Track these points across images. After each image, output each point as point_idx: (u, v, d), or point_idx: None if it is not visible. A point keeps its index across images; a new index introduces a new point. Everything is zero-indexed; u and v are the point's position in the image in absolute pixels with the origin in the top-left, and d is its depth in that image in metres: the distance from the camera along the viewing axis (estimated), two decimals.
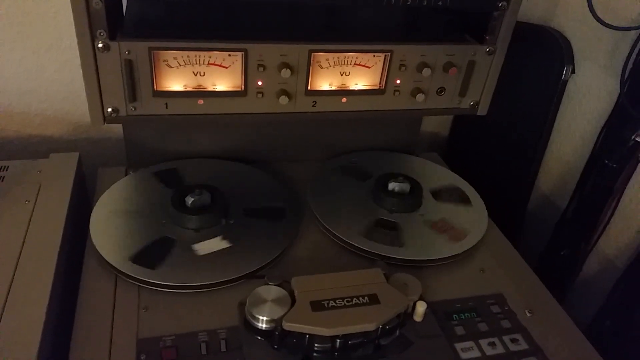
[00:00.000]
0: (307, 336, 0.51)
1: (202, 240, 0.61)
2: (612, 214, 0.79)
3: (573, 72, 0.83)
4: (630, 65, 0.71)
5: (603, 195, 0.78)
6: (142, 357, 0.49)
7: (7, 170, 0.68)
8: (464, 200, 0.74)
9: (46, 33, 0.76)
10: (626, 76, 0.71)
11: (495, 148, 0.95)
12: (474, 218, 0.71)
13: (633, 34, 0.71)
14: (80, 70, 0.80)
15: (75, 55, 0.79)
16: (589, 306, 0.83)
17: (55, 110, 0.83)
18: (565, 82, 0.84)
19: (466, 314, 0.58)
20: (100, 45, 0.53)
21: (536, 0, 0.87)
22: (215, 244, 0.60)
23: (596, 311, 0.80)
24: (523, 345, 0.55)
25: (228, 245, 0.60)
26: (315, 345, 0.51)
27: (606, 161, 0.74)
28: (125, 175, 0.72)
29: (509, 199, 0.92)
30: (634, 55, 0.70)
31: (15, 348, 0.46)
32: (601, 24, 0.75)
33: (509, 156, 0.92)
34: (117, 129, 0.85)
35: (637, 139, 0.70)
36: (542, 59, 0.86)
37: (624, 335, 0.76)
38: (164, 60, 0.55)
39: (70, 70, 0.81)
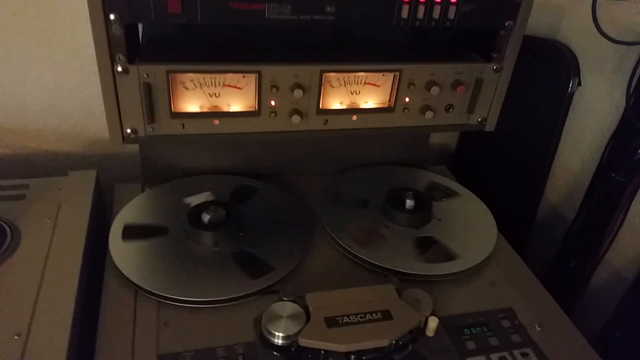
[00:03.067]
0: (322, 352, 0.52)
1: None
2: (620, 226, 0.80)
3: (579, 84, 0.84)
4: (636, 79, 0.72)
5: (610, 208, 0.79)
6: None
7: (28, 188, 0.70)
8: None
9: (63, 52, 0.79)
10: (632, 90, 0.72)
11: (504, 160, 0.96)
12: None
13: (639, 48, 0.72)
14: (96, 88, 0.82)
15: (91, 73, 0.81)
16: (598, 317, 0.83)
17: (71, 127, 0.85)
18: (571, 95, 0.85)
19: (477, 329, 0.59)
20: (119, 69, 0.55)
21: (542, 14, 0.88)
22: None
23: (605, 322, 0.81)
24: (533, 359, 0.56)
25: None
26: None
27: (613, 174, 0.75)
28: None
29: (518, 211, 0.93)
30: (638, 70, 0.71)
31: None
32: (606, 38, 0.76)
33: (517, 168, 0.93)
34: (132, 145, 0.87)
35: None
36: (548, 72, 0.87)
37: (634, 346, 0.76)
38: (180, 83, 0.57)
39: (86, 87, 0.83)
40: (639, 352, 0.76)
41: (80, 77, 0.81)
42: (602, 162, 0.80)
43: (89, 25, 0.76)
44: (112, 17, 0.52)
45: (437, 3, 0.57)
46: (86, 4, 0.73)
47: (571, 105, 0.86)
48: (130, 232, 0.65)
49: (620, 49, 0.77)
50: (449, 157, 1.06)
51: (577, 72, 0.84)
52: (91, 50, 0.78)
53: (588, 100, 0.84)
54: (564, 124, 0.87)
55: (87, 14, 0.74)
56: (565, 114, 0.86)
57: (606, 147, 0.79)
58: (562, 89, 0.84)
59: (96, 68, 0.80)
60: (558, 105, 0.86)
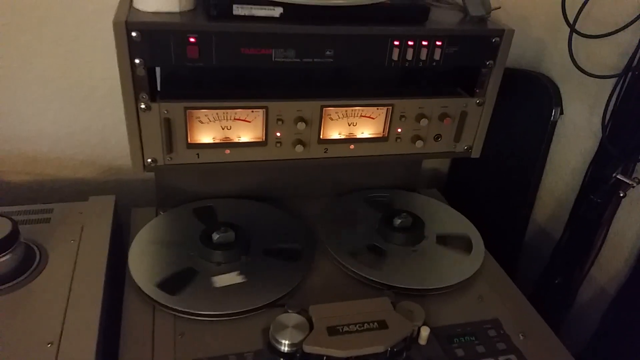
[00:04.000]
0: (325, 358, 0.59)
1: (223, 274, 0.70)
2: (602, 245, 0.87)
3: (562, 112, 0.93)
4: (610, 110, 0.80)
5: (592, 228, 0.87)
6: None
7: (52, 212, 0.78)
8: (463, 236, 0.84)
9: (82, 86, 0.87)
10: (607, 120, 0.81)
11: (493, 184, 1.04)
12: (471, 250, 0.80)
13: (612, 81, 0.81)
14: (111, 119, 0.92)
15: (107, 106, 0.90)
16: (586, 331, 0.90)
17: (88, 155, 0.94)
18: (554, 123, 0.93)
19: (466, 338, 0.66)
20: (142, 106, 0.63)
21: (526, 48, 0.98)
22: (232, 278, 0.70)
23: (591, 335, 0.88)
24: None
25: (243, 280, 0.70)
26: None
27: (592, 197, 0.84)
28: (156, 214, 0.82)
29: (507, 232, 1.01)
30: (612, 101, 0.80)
31: None
32: (581, 71, 0.85)
33: (506, 191, 1.01)
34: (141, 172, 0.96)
35: (618, 176, 0.79)
36: (532, 101, 0.96)
37: (618, 357, 0.83)
38: (196, 117, 0.66)
39: (102, 118, 0.91)
40: None
41: (96, 109, 0.90)
42: (583, 186, 0.88)
43: (106, 63, 0.86)
44: (137, 61, 0.60)
45: (424, 46, 0.66)
46: (103, 44, 0.84)
47: (555, 133, 0.95)
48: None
49: (597, 80, 0.86)
50: (442, 182, 1.14)
51: (559, 102, 0.93)
52: (107, 85, 0.88)
53: (570, 128, 0.93)
54: (548, 150, 0.96)
55: (105, 53, 0.84)
56: (549, 140, 0.95)
57: (587, 172, 0.87)
58: (546, 117, 0.93)
59: (111, 101, 0.90)
60: (542, 133, 0.94)
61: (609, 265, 0.87)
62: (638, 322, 0.80)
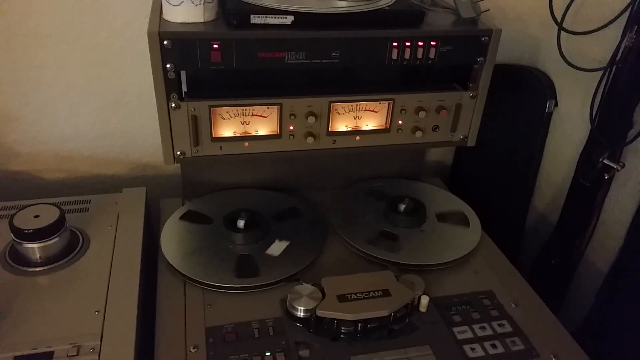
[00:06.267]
0: (336, 321, 0.69)
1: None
2: (595, 227, 0.96)
3: (556, 105, 1.03)
4: (597, 103, 0.90)
5: (585, 211, 0.96)
6: (210, 340, 0.69)
7: (90, 203, 0.90)
8: (458, 212, 0.94)
9: (113, 92, 0.99)
10: (595, 110, 0.90)
11: (494, 173, 1.14)
12: (469, 230, 0.90)
13: (599, 74, 0.90)
14: (139, 120, 1.03)
15: (135, 108, 1.02)
16: (582, 309, 0.99)
17: (117, 154, 1.06)
18: (549, 115, 1.03)
19: (462, 306, 0.76)
20: (173, 105, 0.74)
21: (523, 45, 1.08)
22: (280, 245, 0.83)
23: (586, 313, 0.97)
24: (508, 329, 0.73)
25: (287, 243, 0.84)
26: (342, 328, 0.70)
27: (581, 181, 0.93)
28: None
29: (509, 218, 1.10)
30: (600, 93, 0.89)
31: (117, 342, 0.66)
32: (570, 65, 0.94)
33: (507, 180, 1.11)
34: (166, 169, 1.07)
35: (605, 161, 0.88)
36: (529, 95, 1.06)
37: (612, 330, 0.92)
38: (219, 114, 0.77)
39: (130, 120, 1.03)
40: (617, 337, 0.91)
41: (125, 112, 1.02)
42: (576, 172, 0.97)
43: (134, 70, 0.97)
44: (168, 66, 0.72)
45: (420, 46, 0.76)
46: (132, 53, 0.95)
47: (551, 124, 1.04)
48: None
49: (587, 74, 0.95)
50: (446, 172, 1.24)
51: (553, 95, 1.02)
52: (135, 90, 1.00)
53: (565, 119, 1.02)
54: (545, 141, 1.05)
55: (133, 61, 0.96)
56: (545, 131, 1.04)
57: (579, 159, 0.97)
58: (541, 109, 1.02)
59: (138, 104, 1.01)
60: (539, 124, 1.04)
61: (602, 246, 0.96)
62: (629, 300, 0.89)
